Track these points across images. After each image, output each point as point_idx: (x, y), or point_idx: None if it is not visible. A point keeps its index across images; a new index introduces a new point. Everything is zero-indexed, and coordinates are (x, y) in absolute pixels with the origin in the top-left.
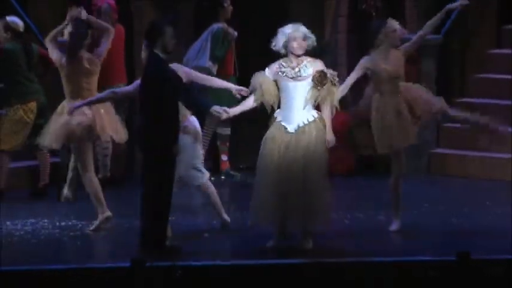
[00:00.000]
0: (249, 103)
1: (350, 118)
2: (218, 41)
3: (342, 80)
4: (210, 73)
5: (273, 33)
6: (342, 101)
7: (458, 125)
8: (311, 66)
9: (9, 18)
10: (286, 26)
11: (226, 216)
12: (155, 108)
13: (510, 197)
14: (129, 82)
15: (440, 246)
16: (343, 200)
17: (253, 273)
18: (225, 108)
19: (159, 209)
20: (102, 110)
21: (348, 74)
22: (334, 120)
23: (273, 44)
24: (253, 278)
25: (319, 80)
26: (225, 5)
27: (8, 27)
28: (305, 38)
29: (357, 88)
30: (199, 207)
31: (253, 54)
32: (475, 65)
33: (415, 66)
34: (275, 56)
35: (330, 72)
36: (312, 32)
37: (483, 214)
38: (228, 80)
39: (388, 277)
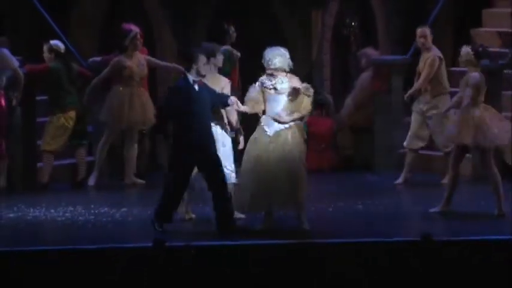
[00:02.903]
0: (246, 108)
1: (334, 124)
2: (225, 60)
3: (328, 92)
4: None
5: None
6: (327, 109)
7: None
8: (287, 82)
9: (53, 42)
10: (277, 52)
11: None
12: (182, 121)
13: (468, 188)
14: (152, 97)
15: (407, 229)
16: (328, 191)
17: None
18: (237, 100)
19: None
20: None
21: (332, 88)
22: (322, 125)
23: (273, 63)
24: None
25: (292, 94)
26: (231, 32)
27: (52, 49)
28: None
29: (339, 99)
30: (208, 197)
31: (253, 71)
32: None
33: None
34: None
35: (303, 86)
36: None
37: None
38: (233, 93)
39: (363, 255)
